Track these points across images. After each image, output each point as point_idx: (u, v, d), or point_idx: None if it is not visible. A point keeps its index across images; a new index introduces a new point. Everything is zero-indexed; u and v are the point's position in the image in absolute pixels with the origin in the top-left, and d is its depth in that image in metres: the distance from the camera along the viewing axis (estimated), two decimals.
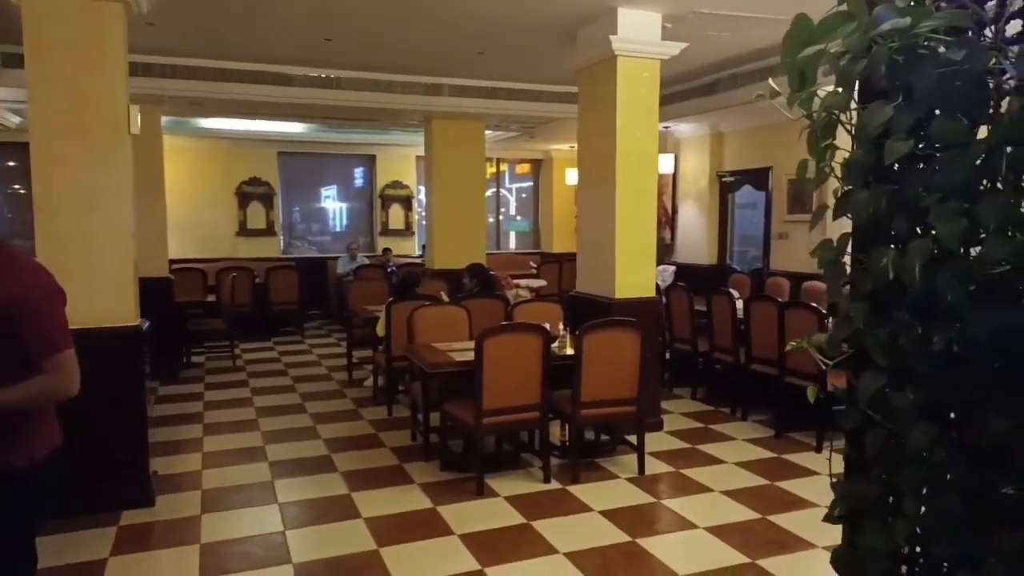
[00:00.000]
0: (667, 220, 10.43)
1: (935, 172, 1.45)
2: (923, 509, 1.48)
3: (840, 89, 1.70)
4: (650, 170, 5.64)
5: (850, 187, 1.60)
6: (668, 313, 6.83)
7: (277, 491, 4.50)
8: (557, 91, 8.56)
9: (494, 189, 13.29)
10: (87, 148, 4.01)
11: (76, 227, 4.02)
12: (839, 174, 1.77)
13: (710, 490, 4.49)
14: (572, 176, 12.65)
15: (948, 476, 1.42)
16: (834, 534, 3.47)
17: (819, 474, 4.75)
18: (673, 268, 9.13)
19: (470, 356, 4.46)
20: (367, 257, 11.40)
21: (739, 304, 6.21)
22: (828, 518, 1.81)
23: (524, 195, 14.62)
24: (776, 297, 6.37)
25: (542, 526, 3.97)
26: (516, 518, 4.08)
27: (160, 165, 7.67)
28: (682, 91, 8.29)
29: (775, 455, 5.12)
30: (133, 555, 3.67)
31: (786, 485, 4.56)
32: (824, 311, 5.26)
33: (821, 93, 1.73)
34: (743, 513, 4.14)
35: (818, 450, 5.15)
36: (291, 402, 6.67)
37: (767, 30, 6.06)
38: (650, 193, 5.65)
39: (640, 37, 5.41)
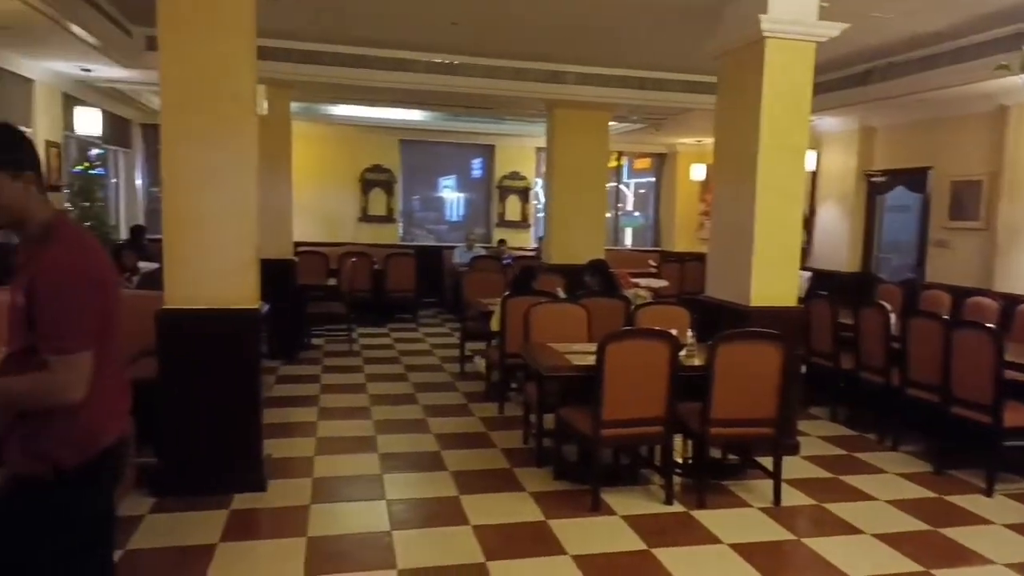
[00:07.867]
0: (804, 222, 9.62)
1: None
2: None
3: None
4: (797, 167, 5.07)
5: None
6: (807, 324, 6.20)
7: (386, 486, 4.37)
8: (690, 80, 8.06)
9: (613, 183, 12.84)
10: (211, 123, 3.93)
11: (198, 204, 3.96)
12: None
13: (859, 531, 3.93)
14: (697, 172, 12.04)
15: None
16: None
17: (992, 523, 4.08)
18: (810, 275, 8.38)
19: (590, 360, 4.12)
20: (483, 248, 11.30)
21: (892, 319, 5.53)
22: None
23: (642, 190, 14.08)
24: (937, 313, 5.63)
25: (665, 555, 3.59)
26: (636, 542, 3.72)
27: (288, 149, 7.80)
28: (828, 81, 7.54)
29: (936, 495, 4.46)
30: (242, 543, 3.61)
31: (951, 533, 3.93)
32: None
33: None
34: (901, 564, 3.57)
35: (988, 493, 4.46)
36: (403, 391, 6.60)
37: (933, 13, 5.33)
38: (796, 192, 5.09)
39: (794, 17, 4.84)
